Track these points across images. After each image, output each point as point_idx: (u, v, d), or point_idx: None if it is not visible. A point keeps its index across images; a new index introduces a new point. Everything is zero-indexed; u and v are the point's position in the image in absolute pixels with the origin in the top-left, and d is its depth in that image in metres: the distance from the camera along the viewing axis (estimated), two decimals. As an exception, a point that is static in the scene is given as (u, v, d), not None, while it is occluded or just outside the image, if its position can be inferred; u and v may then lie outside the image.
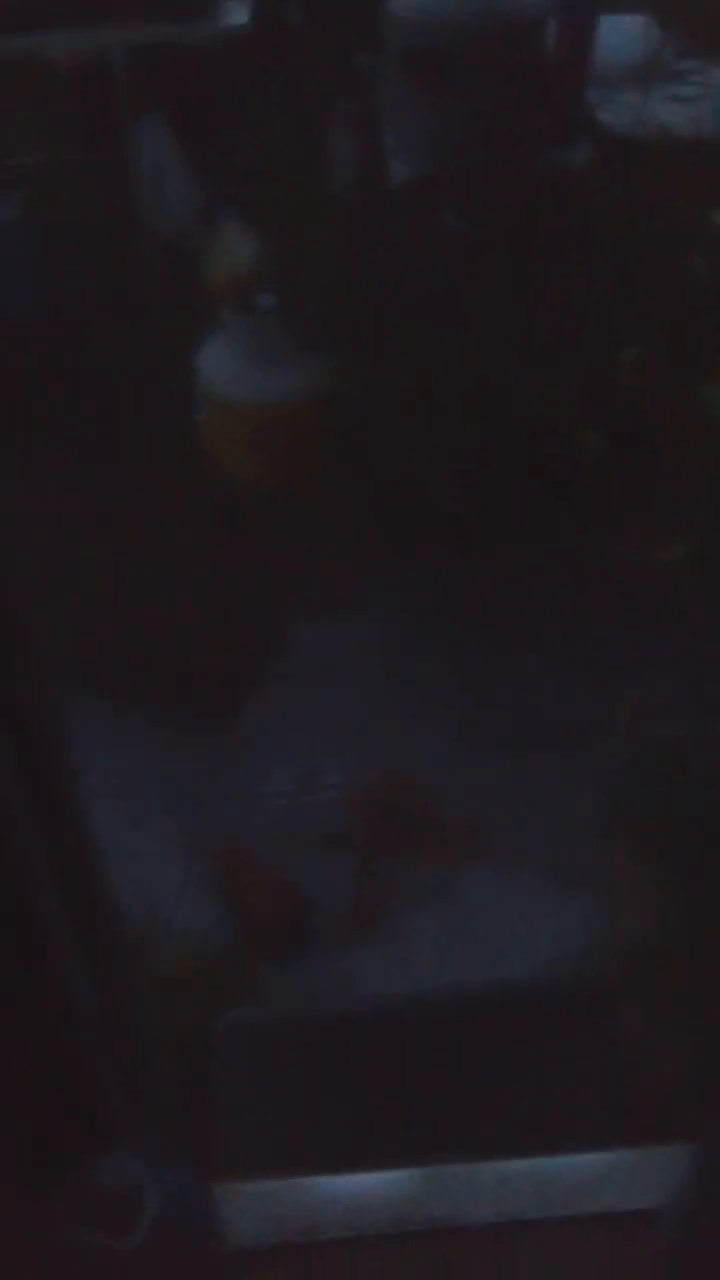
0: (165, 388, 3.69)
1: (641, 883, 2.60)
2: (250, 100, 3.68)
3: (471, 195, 3.28)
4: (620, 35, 3.85)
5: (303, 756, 3.42)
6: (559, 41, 3.53)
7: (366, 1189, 2.11)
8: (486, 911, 3.09)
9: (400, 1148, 2.15)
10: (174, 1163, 1.72)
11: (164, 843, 3.22)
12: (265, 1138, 2.23)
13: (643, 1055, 2.29)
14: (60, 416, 3.57)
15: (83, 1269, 1.62)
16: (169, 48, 3.78)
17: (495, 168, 3.20)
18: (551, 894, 3.02)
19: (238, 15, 3.81)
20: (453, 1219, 2.07)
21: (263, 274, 3.60)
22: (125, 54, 3.68)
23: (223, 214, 3.81)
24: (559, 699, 3.33)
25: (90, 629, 3.39)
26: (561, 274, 2.97)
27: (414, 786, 3.37)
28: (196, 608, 3.52)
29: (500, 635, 3.40)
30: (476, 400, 3.15)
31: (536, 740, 3.37)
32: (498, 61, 3.32)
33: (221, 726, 3.50)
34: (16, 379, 3.59)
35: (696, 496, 2.48)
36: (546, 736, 3.36)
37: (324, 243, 3.38)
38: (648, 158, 2.94)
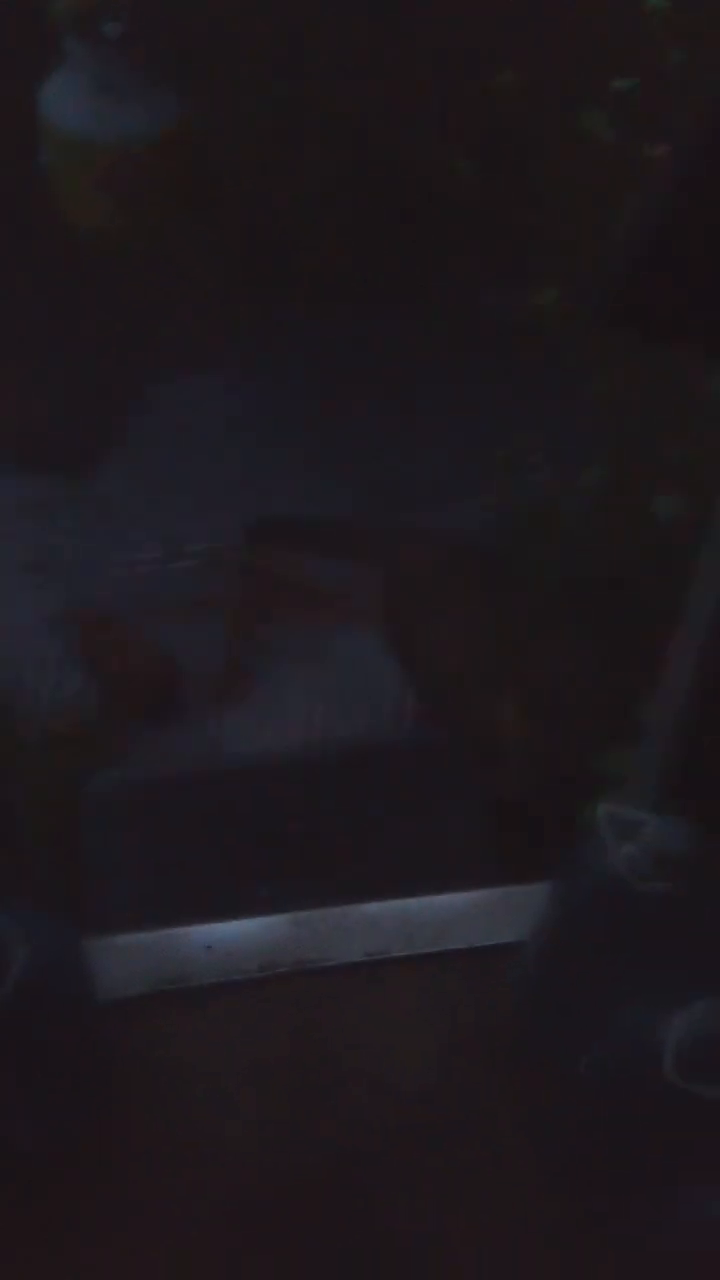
0: (3, 126, 3.42)
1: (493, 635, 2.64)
2: None
3: None
4: None
5: (167, 521, 3.35)
6: None
7: (238, 935, 2.16)
8: (353, 673, 3.11)
9: (271, 895, 2.20)
10: (44, 919, 1.73)
11: (27, 610, 3.16)
12: (137, 892, 2.27)
13: (500, 800, 2.36)
14: None
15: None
16: None
17: None
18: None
19: None
20: (322, 960, 2.13)
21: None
22: None
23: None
24: (427, 455, 3.29)
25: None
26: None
27: (281, 550, 3.34)
28: (46, 364, 3.37)
29: (366, 389, 3.32)
30: (341, 132, 2.98)
31: (403, 500, 3.34)
32: None
33: (83, 492, 3.40)
34: None
35: (573, 235, 2.40)
36: (414, 495, 3.33)
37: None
38: None
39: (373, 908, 2.20)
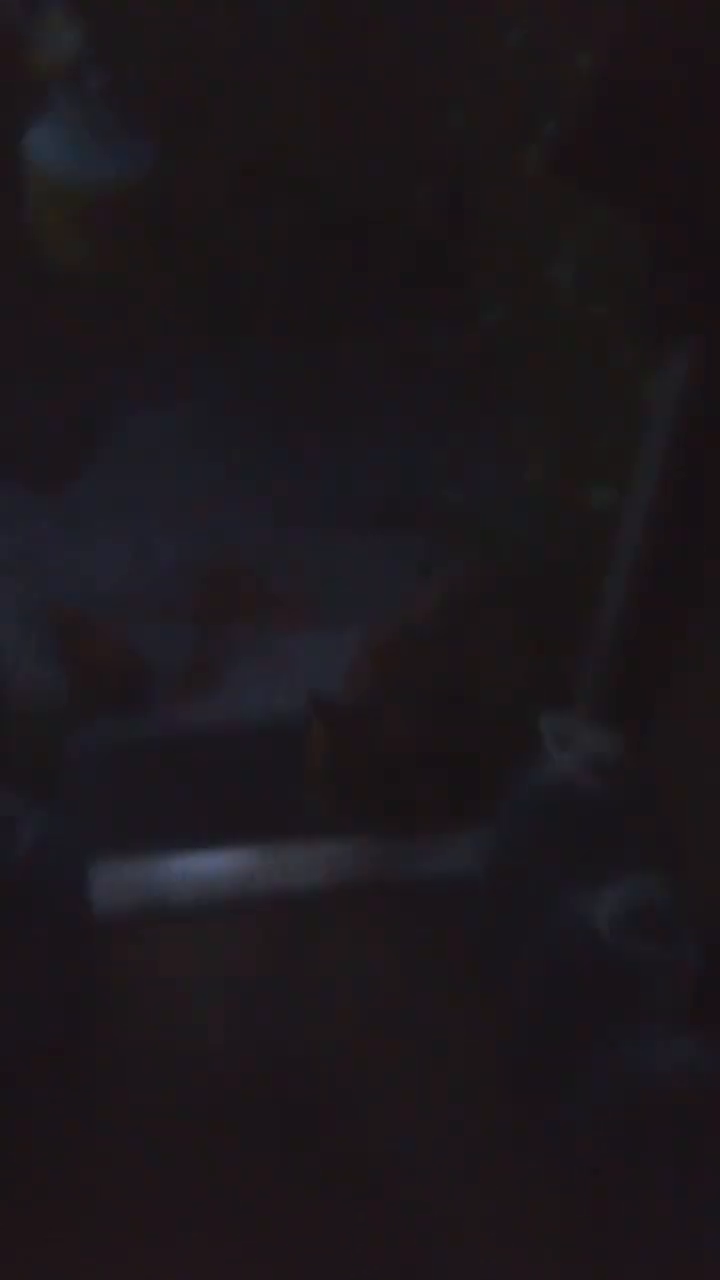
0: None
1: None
2: None
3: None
4: None
5: (139, 532, 3.58)
6: None
7: (212, 865, 2.35)
8: (311, 673, 3.32)
9: (244, 829, 2.39)
10: (44, 807, 1.93)
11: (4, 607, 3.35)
12: (119, 828, 2.45)
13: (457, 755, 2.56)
14: None
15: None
16: None
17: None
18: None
19: None
20: (290, 887, 2.33)
21: (93, 54, 3.60)
22: None
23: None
24: (381, 476, 3.56)
25: None
26: (390, 45, 3.11)
27: (245, 560, 3.58)
28: (25, 387, 3.61)
29: (326, 413, 3.60)
30: (306, 176, 3.28)
31: (359, 515, 3.60)
32: None
33: (59, 502, 3.62)
34: None
35: (516, 264, 2.68)
36: (368, 511, 3.59)
37: (154, 22, 3.43)
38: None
39: (338, 843, 2.41)
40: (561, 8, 2.63)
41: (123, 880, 2.30)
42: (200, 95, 3.49)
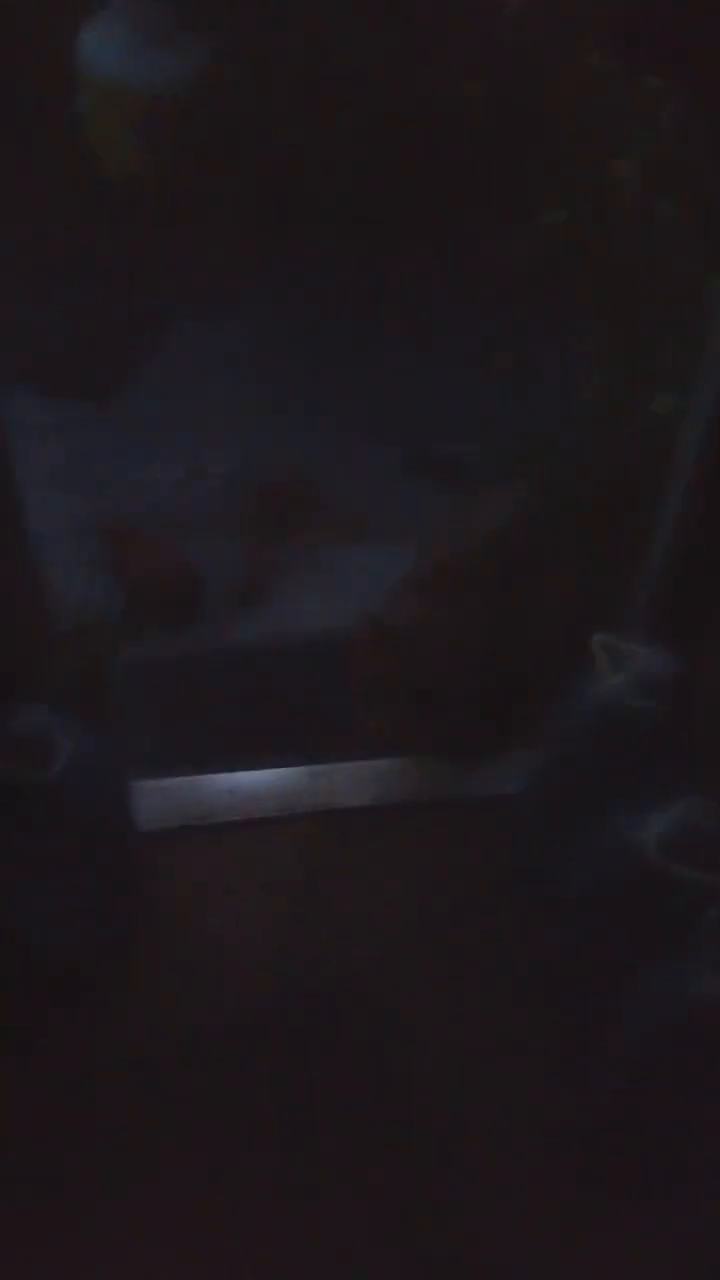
0: (46, 71, 3.61)
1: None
2: None
3: None
4: None
5: (191, 444, 3.53)
6: None
7: (258, 782, 2.33)
8: (360, 589, 3.27)
9: (289, 748, 2.37)
10: (84, 721, 1.91)
11: (57, 522, 3.32)
12: (171, 738, 2.44)
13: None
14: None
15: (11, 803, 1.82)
16: None
17: None
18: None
19: None
20: (333, 804, 2.31)
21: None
22: None
23: None
24: (436, 391, 3.47)
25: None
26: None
27: (295, 474, 3.52)
28: (82, 294, 3.56)
29: (380, 323, 3.51)
30: (366, 76, 3.17)
31: (410, 430, 3.52)
32: None
33: (112, 414, 3.58)
34: None
35: (579, 162, 2.57)
36: (420, 427, 3.51)
37: None
38: None
39: (383, 762, 2.38)
40: None
41: (170, 795, 2.29)
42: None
